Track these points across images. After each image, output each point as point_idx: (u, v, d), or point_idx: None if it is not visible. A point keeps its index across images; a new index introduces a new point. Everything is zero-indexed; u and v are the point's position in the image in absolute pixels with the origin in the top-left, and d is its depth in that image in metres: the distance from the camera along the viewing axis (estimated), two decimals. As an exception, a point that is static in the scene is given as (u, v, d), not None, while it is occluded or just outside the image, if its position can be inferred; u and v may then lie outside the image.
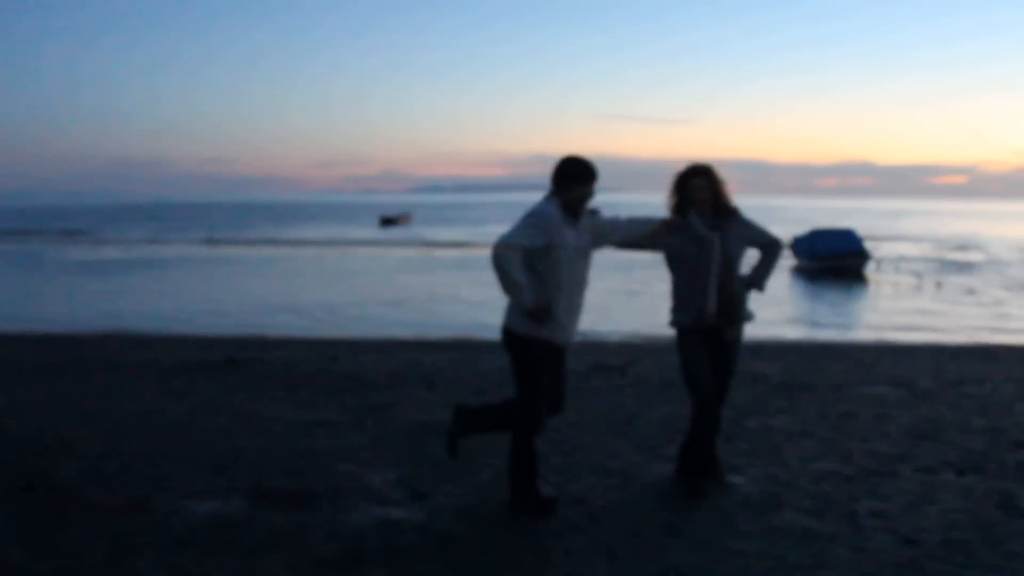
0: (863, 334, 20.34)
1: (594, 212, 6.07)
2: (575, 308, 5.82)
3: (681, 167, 6.34)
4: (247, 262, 42.26)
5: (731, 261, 6.18)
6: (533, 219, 5.65)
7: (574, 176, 5.72)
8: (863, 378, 11.24)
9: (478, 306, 24.03)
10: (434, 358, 13.31)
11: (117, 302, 26.32)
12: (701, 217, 6.19)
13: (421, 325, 20.05)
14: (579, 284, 5.81)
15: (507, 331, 5.82)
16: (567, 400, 6.11)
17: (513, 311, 5.73)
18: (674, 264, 6.30)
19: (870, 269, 37.82)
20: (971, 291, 30.16)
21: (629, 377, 11.16)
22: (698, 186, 6.21)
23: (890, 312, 25.22)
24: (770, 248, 6.43)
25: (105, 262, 43.34)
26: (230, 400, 9.62)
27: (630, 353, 13.93)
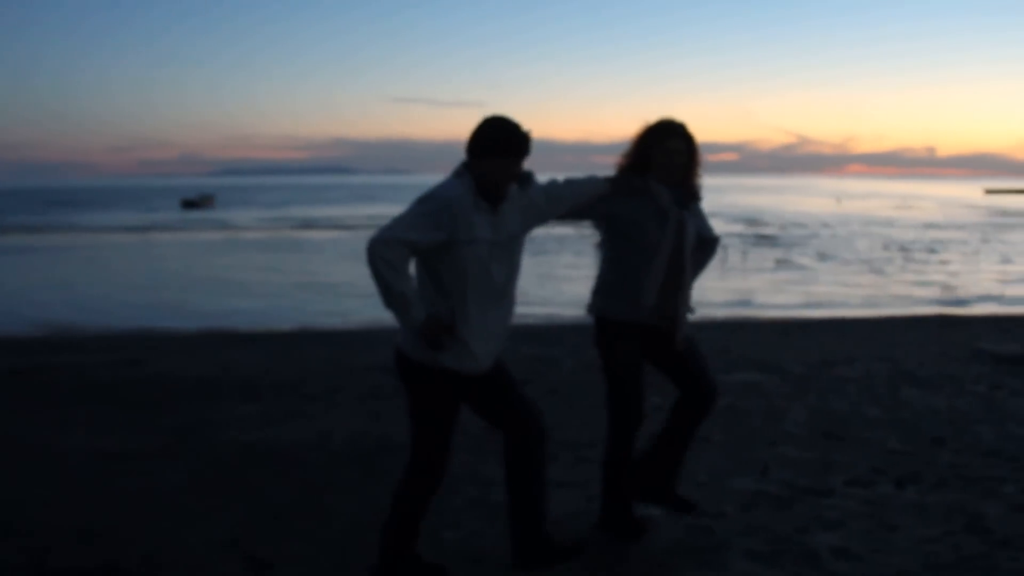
0: (704, 311, 19.73)
1: (526, 178, 4.40)
2: (494, 325, 4.22)
3: (649, 122, 4.91)
4: (37, 251, 38.84)
5: (688, 252, 4.83)
6: (427, 205, 4.07)
7: (497, 144, 4.11)
8: (726, 363, 10.35)
9: (293, 289, 22.31)
10: (251, 355, 11.72)
11: None
12: (665, 187, 4.78)
13: (234, 314, 18.13)
14: (499, 292, 4.21)
15: (399, 355, 4.27)
16: (539, 412, 4.43)
17: (408, 329, 4.18)
18: (622, 240, 4.82)
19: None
20: (781, 262, 30.23)
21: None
22: (675, 150, 4.77)
23: (708, 288, 24.78)
24: (711, 246, 5.12)
25: None
26: (11, 428, 7.84)
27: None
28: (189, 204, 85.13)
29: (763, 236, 43.02)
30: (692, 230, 4.80)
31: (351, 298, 20.10)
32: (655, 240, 4.73)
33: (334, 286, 22.83)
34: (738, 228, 49.65)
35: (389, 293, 4.00)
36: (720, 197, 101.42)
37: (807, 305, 19.28)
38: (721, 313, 17.82)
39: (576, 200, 4.64)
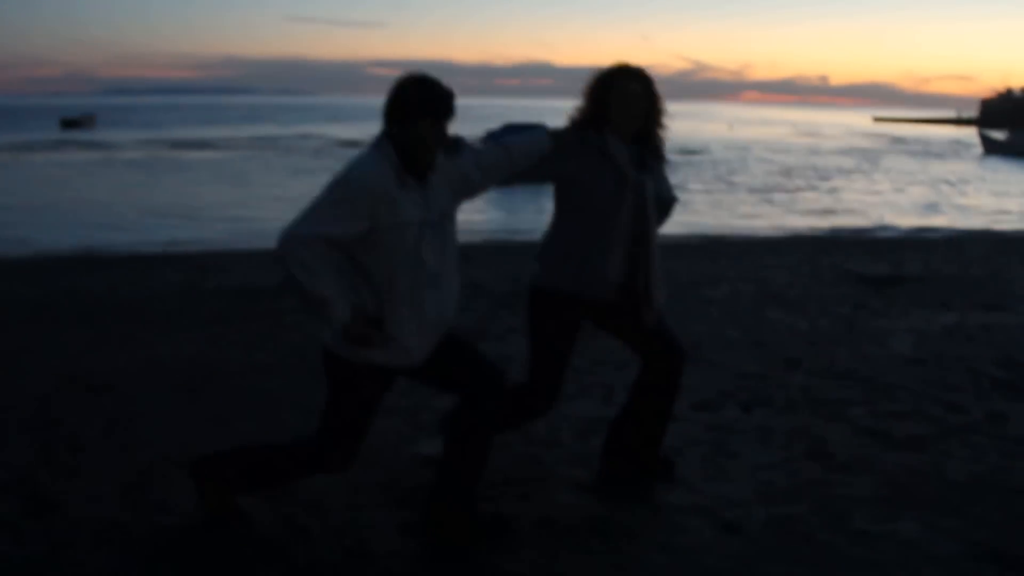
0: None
1: (455, 145, 3.84)
2: (430, 313, 3.70)
3: (603, 68, 4.23)
4: None
5: (651, 218, 4.25)
6: (344, 190, 3.51)
7: (420, 105, 3.55)
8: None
9: (157, 211, 21.43)
10: (98, 279, 11.06)
11: None
12: (625, 147, 4.19)
13: (90, 237, 17.24)
14: (434, 277, 3.68)
15: (325, 353, 3.77)
16: (498, 370, 3.91)
17: (331, 328, 3.66)
18: (572, 203, 4.24)
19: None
20: (677, 186, 30.22)
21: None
22: (631, 94, 4.14)
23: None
24: (667, 208, 4.51)
25: None
26: None
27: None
28: (69, 124, 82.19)
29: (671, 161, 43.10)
30: (652, 194, 4.23)
31: (215, 221, 19.41)
32: (612, 207, 4.16)
33: (200, 208, 21.97)
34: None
35: (303, 295, 3.51)
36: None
37: (683, 227, 19.16)
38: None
39: (516, 164, 4.05)
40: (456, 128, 3.81)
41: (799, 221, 20.58)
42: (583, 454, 4.85)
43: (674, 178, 25.02)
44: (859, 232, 18.35)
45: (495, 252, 13.89)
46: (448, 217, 3.75)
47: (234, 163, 37.61)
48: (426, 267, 3.63)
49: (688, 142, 56.98)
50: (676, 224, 19.34)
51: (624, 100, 4.14)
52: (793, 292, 9.76)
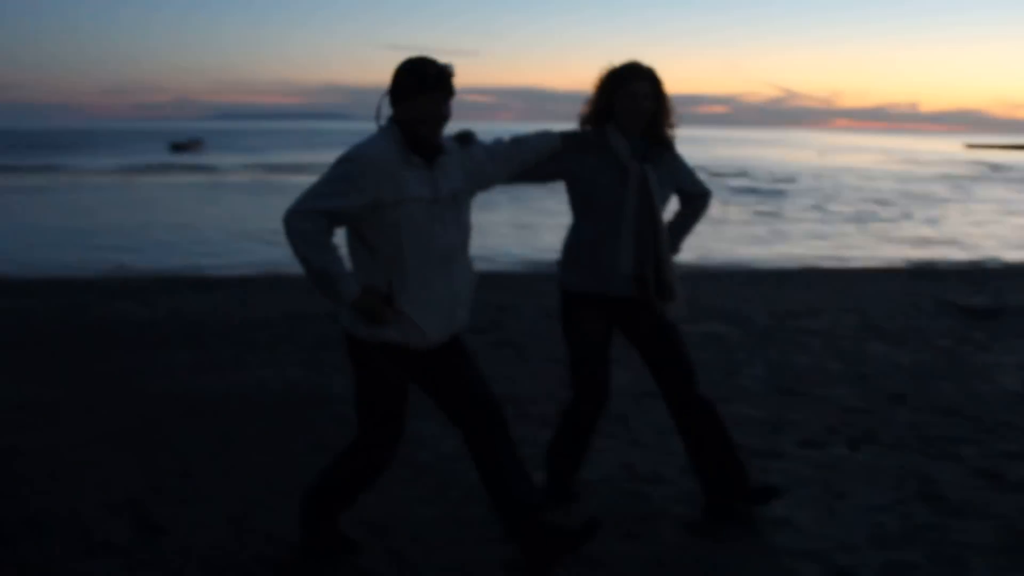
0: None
1: (467, 137, 3.94)
2: (442, 293, 3.71)
3: (613, 65, 4.29)
4: (20, 191, 38.14)
5: (657, 209, 4.29)
6: (345, 166, 3.57)
7: (413, 82, 3.59)
8: (692, 313, 9.96)
9: (261, 234, 21.82)
10: (204, 301, 11.28)
11: None
12: (627, 139, 4.27)
13: (195, 258, 17.60)
14: (445, 256, 3.70)
15: (345, 334, 3.80)
16: (496, 403, 3.89)
17: (337, 305, 3.72)
18: (582, 201, 4.33)
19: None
20: (759, 213, 29.85)
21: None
22: (640, 94, 4.20)
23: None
24: (700, 201, 4.59)
25: None
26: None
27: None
28: (177, 147, 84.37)
29: (745, 188, 42.63)
30: (656, 185, 4.25)
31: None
32: (616, 200, 4.23)
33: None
34: (721, 180, 49.25)
35: (309, 269, 3.56)
36: (709, 149, 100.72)
37: (781, 256, 18.90)
38: (692, 262, 17.48)
39: (525, 159, 4.13)
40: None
41: (896, 250, 20.15)
42: (689, 491, 4.79)
43: (766, 206, 24.87)
44: (959, 262, 17.93)
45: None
46: (460, 198, 3.78)
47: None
48: (436, 245, 3.65)
49: (780, 170, 56.42)
50: (771, 253, 19.27)
51: (631, 99, 4.21)
52: (894, 324, 9.57)
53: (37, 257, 17.53)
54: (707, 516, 4.51)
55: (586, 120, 4.34)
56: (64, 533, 4.33)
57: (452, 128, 3.85)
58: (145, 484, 4.93)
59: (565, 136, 4.25)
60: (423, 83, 3.57)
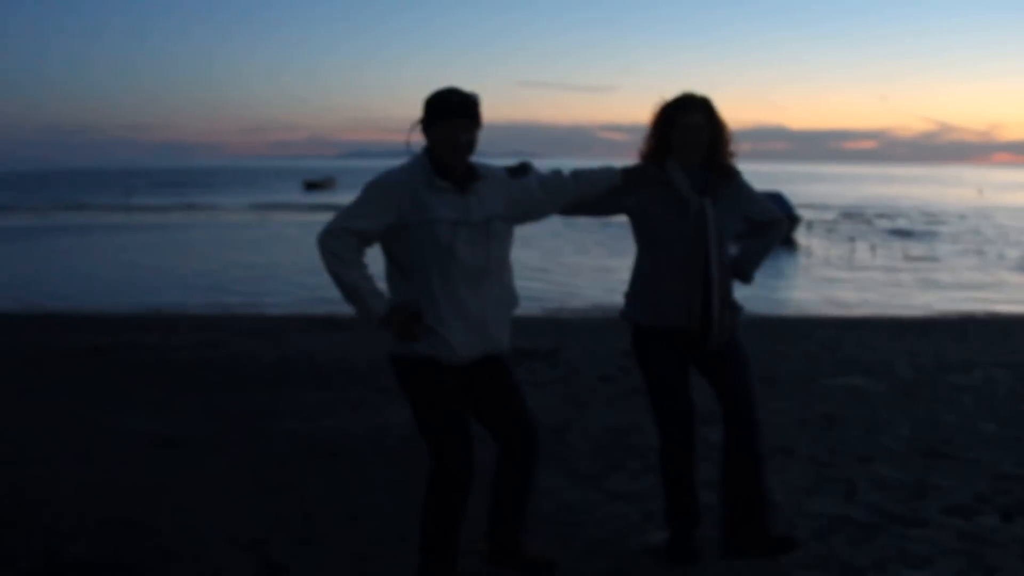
0: (810, 307, 18.74)
1: (522, 168, 4.13)
2: (473, 311, 3.84)
3: (668, 97, 4.34)
4: (161, 228, 39.68)
5: (722, 241, 4.27)
6: (372, 191, 3.84)
7: (435, 109, 3.82)
8: (831, 365, 9.67)
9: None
10: (334, 341, 11.42)
11: (11, 274, 23.79)
12: (686, 171, 4.25)
13: (326, 298, 17.86)
14: (474, 275, 3.83)
15: (390, 358, 3.98)
16: (533, 426, 4.04)
17: (367, 321, 3.89)
18: (643, 236, 4.35)
19: (799, 234, 36.59)
20: (910, 257, 28.89)
21: (559, 367, 9.38)
22: (693, 126, 4.18)
23: (830, 281, 23.66)
24: (773, 228, 4.54)
25: (10, 229, 40.40)
26: (77, 405, 7.68)
27: (558, 332, 12.11)
28: (311, 185, 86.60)
29: (895, 230, 41.41)
30: (716, 218, 4.20)
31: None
32: (675, 234, 4.22)
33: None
34: (869, 220, 48.00)
35: (340, 285, 3.78)
36: (856, 187, 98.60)
37: (931, 304, 18.19)
38: (836, 310, 16.97)
39: (583, 194, 4.22)
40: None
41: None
42: (822, 556, 4.54)
43: (917, 248, 23.97)
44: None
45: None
46: (495, 223, 3.88)
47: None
48: (463, 264, 3.78)
49: (933, 209, 54.71)
50: (920, 300, 18.57)
51: (685, 132, 4.19)
52: (1053, 382, 9.02)
53: (176, 294, 18.11)
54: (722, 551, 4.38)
55: (646, 156, 4.33)
56: (190, 568, 4.37)
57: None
58: (270, 523, 4.93)
59: (626, 172, 4.28)
60: (446, 111, 3.78)
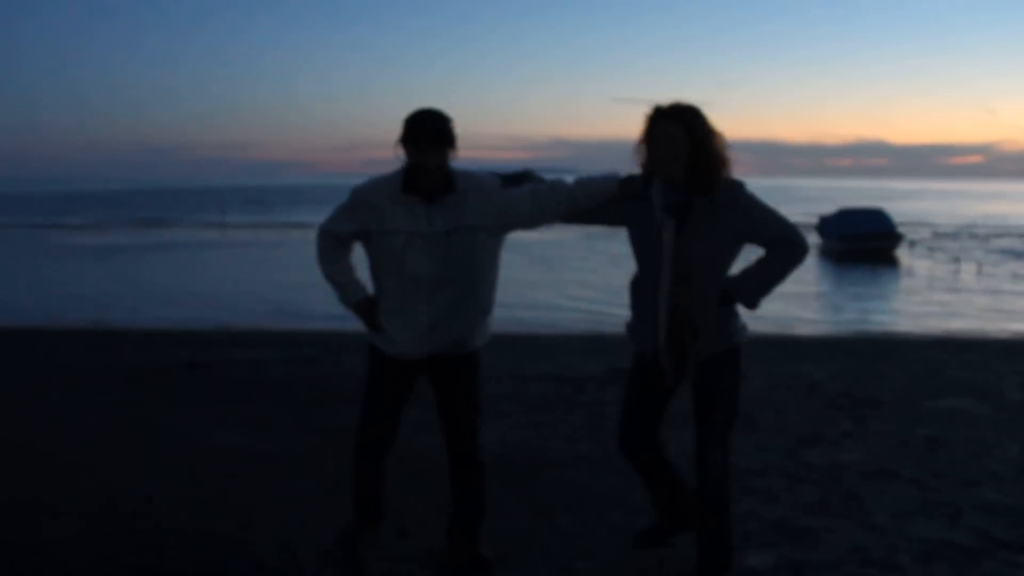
0: (913, 326, 18.30)
1: (519, 176, 4.31)
2: (423, 316, 4.15)
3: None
4: (253, 245, 40.52)
5: (691, 265, 3.96)
6: (350, 196, 4.25)
7: (406, 134, 4.07)
8: (935, 387, 9.39)
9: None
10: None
11: (103, 289, 24.49)
12: (671, 187, 3.97)
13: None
14: (425, 284, 4.10)
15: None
16: (471, 443, 4.42)
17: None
18: (633, 249, 4.20)
19: (901, 252, 35.81)
20: (1020, 276, 28.06)
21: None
22: (664, 137, 3.92)
23: (934, 301, 23.10)
24: (780, 249, 4.07)
25: (108, 247, 41.64)
26: (174, 420, 7.83)
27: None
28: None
29: (1003, 249, 40.31)
30: (679, 239, 3.94)
31: (534, 306, 19.76)
32: (646, 253, 4.08)
33: (521, 290, 22.44)
34: (976, 238, 46.81)
35: (324, 276, 4.35)
36: (961, 204, 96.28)
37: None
38: (940, 331, 16.54)
39: (576, 201, 4.21)
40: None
41: None
42: (928, 582, 4.40)
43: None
44: None
45: (827, 347, 13.33)
46: (461, 234, 4.08)
47: (550, 246, 38.32)
48: (412, 273, 4.09)
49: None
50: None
51: (658, 144, 3.94)
52: None
53: (268, 311, 18.39)
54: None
55: (643, 166, 4.11)
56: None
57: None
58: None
59: (622, 182, 4.16)
60: (413, 140, 4.03)
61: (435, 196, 4.07)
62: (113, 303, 21.18)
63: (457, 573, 4.47)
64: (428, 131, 4.01)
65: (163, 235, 50.41)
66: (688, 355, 4.01)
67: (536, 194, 4.21)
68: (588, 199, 4.19)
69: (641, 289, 4.13)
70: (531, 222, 4.24)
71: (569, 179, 4.27)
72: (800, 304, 21.59)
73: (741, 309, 4.19)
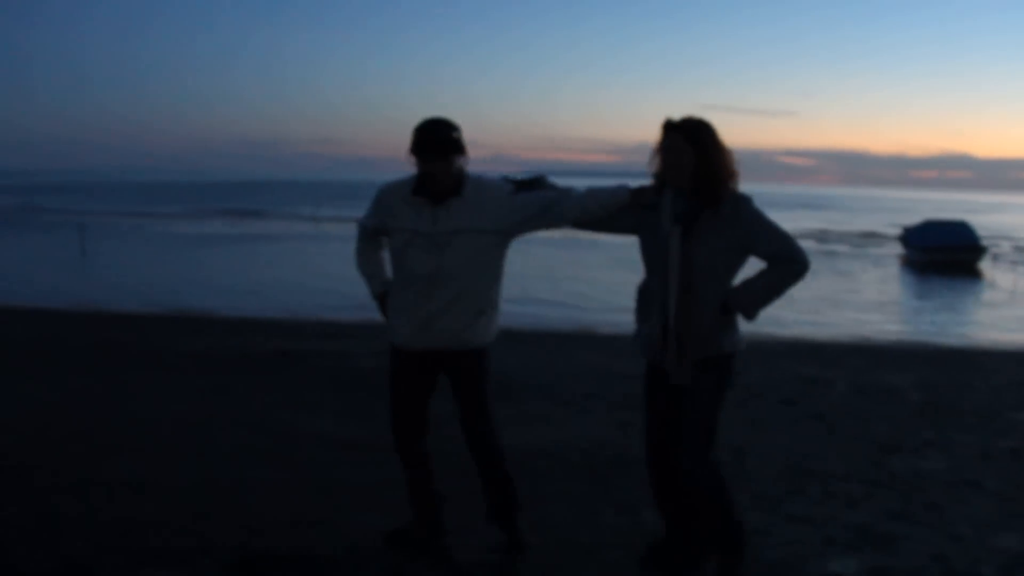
0: (995, 339, 18.05)
1: (532, 182, 4.50)
2: (419, 311, 4.44)
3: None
4: (346, 239, 41.06)
5: (692, 273, 4.10)
6: (376, 194, 4.63)
7: (414, 147, 4.35)
8: (1019, 400, 9.33)
9: (577, 287, 22.30)
10: (519, 354, 11.55)
11: (202, 278, 25.07)
12: (679, 197, 4.14)
13: (514, 313, 18.07)
14: (423, 280, 4.40)
15: None
16: (475, 431, 4.75)
17: None
18: (642, 256, 4.35)
19: (984, 265, 35.18)
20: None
21: (737, 390, 9.34)
22: (670, 148, 4.10)
23: (1016, 315, 22.68)
24: (780, 265, 4.18)
25: (204, 236, 42.51)
26: (267, 406, 8.12)
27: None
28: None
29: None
30: (685, 248, 4.08)
31: (622, 307, 19.84)
32: (654, 260, 4.21)
33: (616, 288, 22.51)
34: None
35: (357, 265, 4.75)
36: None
37: None
38: (1005, 339, 16.32)
39: (590, 211, 4.39)
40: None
41: None
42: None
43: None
44: None
45: (909, 356, 13.25)
46: (461, 236, 4.35)
47: (634, 248, 38.13)
48: (412, 270, 4.40)
49: None
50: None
51: (665, 155, 4.11)
52: None
53: (360, 304, 18.67)
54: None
55: (655, 177, 4.26)
56: (376, 566, 4.60)
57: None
58: (454, 528, 5.07)
59: (634, 192, 4.31)
60: (419, 150, 4.31)
61: (442, 199, 4.36)
62: (203, 291, 21.68)
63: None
64: (432, 142, 4.29)
65: (256, 226, 51.30)
66: (683, 357, 4.14)
67: (546, 201, 4.42)
68: (599, 206, 4.36)
69: (647, 295, 4.28)
70: (538, 226, 4.46)
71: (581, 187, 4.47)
72: (883, 313, 21.42)
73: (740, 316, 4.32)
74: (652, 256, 4.23)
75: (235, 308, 18.39)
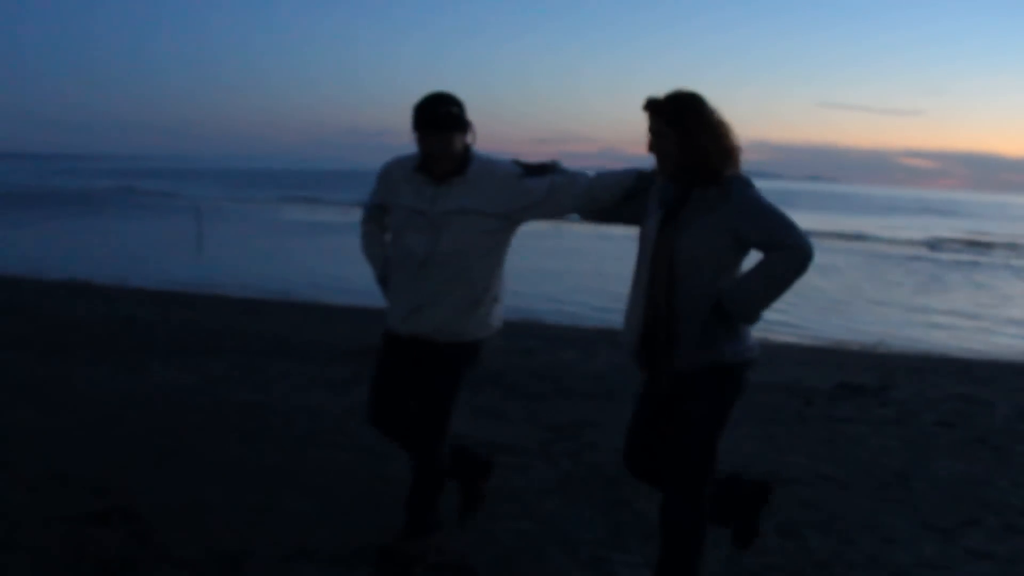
0: None
1: (543, 167, 4.21)
2: (412, 293, 4.20)
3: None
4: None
5: (676, 265, 3.57)
6: (379, 173, 4.45)
7: (413, 122, 4.14)
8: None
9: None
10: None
11: (321, 267, 25.17)
12: (668, 183, 3.73)
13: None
14: (418, 261, 4.16)
15: None
16: (429, 427, 4.32)
17: None
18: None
19: None
20: None
21: (890, 407, 8.86)
22: (652, 132, 3.68)
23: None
24: (778, 254, 3.54)
25: (315, 223, 42.97)
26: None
27: (883, 369, 11.44)
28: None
29: None
30: (667, 236, 3.59)
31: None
32: (643, 251, 3.75)
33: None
34: None
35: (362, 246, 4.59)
36: None
37: None
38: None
39: (597, 198, 4.12)
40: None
41: None
42: None
43: None
44: None
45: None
46: (459, 216, 4.10)
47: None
48: (409, 250, 4.18)
49: None
50: None
51: (650, 138, 3.69)
52: None
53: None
54: None
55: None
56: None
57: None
58: (602, 541, 4.90)
59: (639, 177, 4.04)
60: (418, 126, 4.11)
61: (444, 178, 4.16)
62: (322, 279, 21.64)
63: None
64: (430, 118, 4.08)
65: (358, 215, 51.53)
66: (661, 364, 3.62)
67: (554, 185, 4.16)
68: (606, 191, 4.10)
69: (635, 289, 3.76)
70: (545, 212, 4.20)
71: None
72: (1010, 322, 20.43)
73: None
74: (641, 247, 3.77)
75: (354, 297, 17.99)
